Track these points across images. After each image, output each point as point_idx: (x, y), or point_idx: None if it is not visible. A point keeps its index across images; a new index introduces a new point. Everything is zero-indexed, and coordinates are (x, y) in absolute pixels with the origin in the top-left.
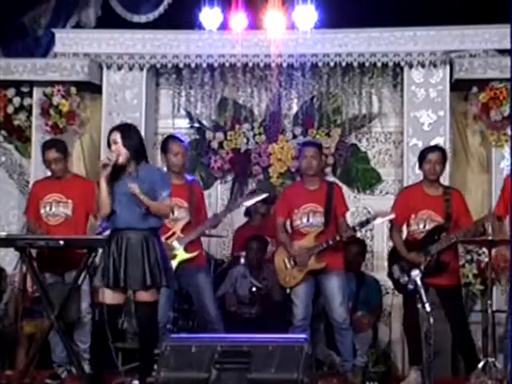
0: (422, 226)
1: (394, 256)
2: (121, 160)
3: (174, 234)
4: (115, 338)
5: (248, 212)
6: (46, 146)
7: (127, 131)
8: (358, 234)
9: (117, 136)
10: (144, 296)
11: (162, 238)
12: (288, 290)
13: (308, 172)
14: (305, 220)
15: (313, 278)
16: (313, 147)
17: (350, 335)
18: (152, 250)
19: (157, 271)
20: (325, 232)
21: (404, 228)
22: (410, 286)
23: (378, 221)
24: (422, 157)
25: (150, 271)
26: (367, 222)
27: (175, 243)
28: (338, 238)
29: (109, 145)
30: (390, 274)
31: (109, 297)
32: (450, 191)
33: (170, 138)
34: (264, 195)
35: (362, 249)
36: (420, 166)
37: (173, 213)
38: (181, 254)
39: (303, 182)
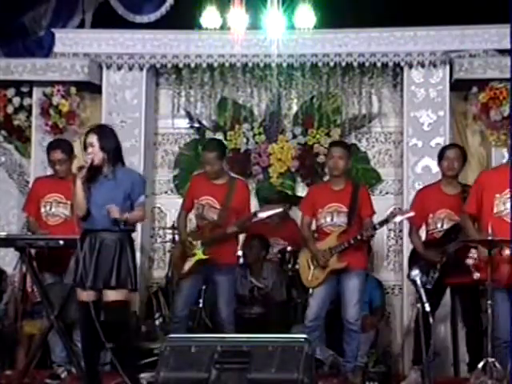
0: (439, 225)
1: (413, 257)
2: (96, 162)
3: (203, 232)
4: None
5: None
6: (51, 147)
7: (104, 133)
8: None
9: (93, 138)
10: (112, 295)
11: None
12: (311, 291)
13: (334, 172)
14: (329, 219)
15: (335, 279)
16: (340, 147)
17: (357, 338)
18: (125, 253)
19: (125, 274)
20: (348, 232)
21: (423, 228)
22: (429, 286)
23: (398, 219)
24: (441, 154)
25: (116, 273)
26: (387, 220)
27: (199, 243)
28: (358, 237)
29: (85, 147)
30: (409, 275)
31: (83, 295)
32: (468, 189)
33: (204, 146)
34: (279, 210)
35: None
36: (438, 164)
37: (202, 211)
38: (198, 254)
39: (329, 181)
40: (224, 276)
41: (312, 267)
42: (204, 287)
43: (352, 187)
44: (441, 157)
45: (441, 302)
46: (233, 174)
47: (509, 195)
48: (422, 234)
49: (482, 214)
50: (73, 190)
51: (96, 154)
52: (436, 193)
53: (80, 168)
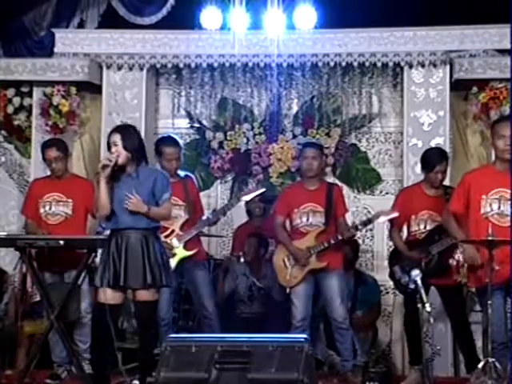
0: (422, 226)
1: (395, 257)
2: (120, 161)
3: (172, 232)
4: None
5: (249, 211)
6: (46, 145)
7: (127, 132)
8: (358, 234)
9: (117, 137)
10: (144, 295)
11: (162, 237)
12: (288, 290)
13: (308, 173)
14: (304, 219)
15: (313, 278)
16: (313, 148)
17: (349, 335)
18: (152, 250)
19: (157, 271)
20: (325, 231)
21: (405, 229)
22: (411, 286)
23: (381, 219)
24: (430, 165)
25: (150, 270)
26: (369, 221)
27: (174, 241)
28: (339, 237)
29: (109, 146)
30: (392, 275)
31: (109, 296)
32: (450, 191)
33: (163, 141)
34: (261, 190)
35: (354, 247)
36: (422, 169)
37: None
38: (180, 252)
39: (303, 181)
40: (203, 271)
41: (289, 266)
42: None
43: (326, 187)
44: (428, 165)
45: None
46: (180, 173)
47: (495, 196)
48: (403, 235)
49: (469, 214)
50: (95, 190)
51: (120, 153)
52: (418, 194)
53: (104, 166)
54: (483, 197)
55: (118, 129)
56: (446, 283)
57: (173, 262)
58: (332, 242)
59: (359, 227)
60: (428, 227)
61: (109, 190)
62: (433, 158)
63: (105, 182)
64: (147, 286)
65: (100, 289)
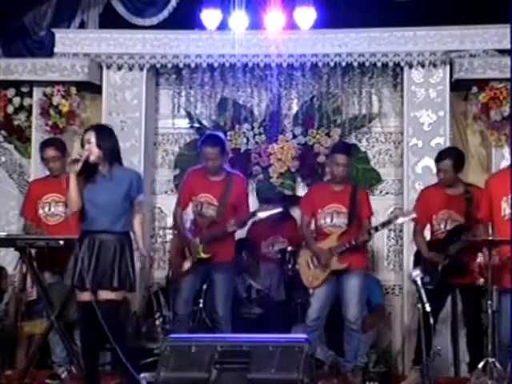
0: (442, 225)
1: (417, 258)
2: (92, 159)
3: (201, 229)
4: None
5: None
6: (44, 144)
7: (102, 132)
8: None
9: (91, 135)
10: (106, 294)
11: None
12: (310, 291)
13: (337, 179)
14: (328, 220)
15: (335, 279)
16: (345, 155)
17: (357, 337)
18: (124, 254)
19: (125, 275)
20: (348, 232)
21: (428, 228)
22: (430, 287)
23: (400, 220)
24: (436, 161)
25: (118, 274)
26: (389, 222)
27: (197, 241)
28: (353, 242)
29: (82, 144)
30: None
31: (82, 296)
32: (470, 189)
33: (203, 141)
34: (278, 209)
35: None
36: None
37: (201, 208)
38: (198, 253)
39: (329, 182)
40: (221, 274)
41: (312, 267)
42: (205, 287)
43: (351, 188)
44: (436, 164)
45: (445, 303)
46: (230, 169)
47: None
48: (427, 234)
49: (493, 218)
50: (66, 186)
51: (92, 151)
52: (438, 193)
53: (74, 161)
54: (504, 198)
55: (94, 127)
56: (465, 282)
57: (190, 262)
58: (353, 243)
59: (379, 228)
60: (448, 227)
61: (81, 187)
62: (436, 157)
63: (75, 176)
64: (111, 287)
65: (76, 289)
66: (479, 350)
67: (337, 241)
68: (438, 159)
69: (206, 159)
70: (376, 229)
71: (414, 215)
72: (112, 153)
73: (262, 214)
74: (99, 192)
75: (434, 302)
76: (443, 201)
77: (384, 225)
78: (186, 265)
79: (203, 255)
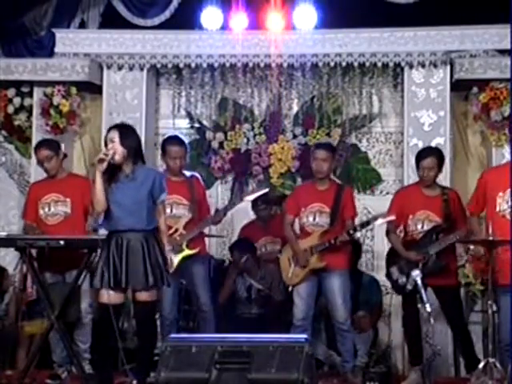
0: (419, 226)
1: (392, 257)
2: (117, 158)
3: (176, 230)
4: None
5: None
6: (37, 146)
7: (125, 131)
8: (358, 234)
9: (115, 134)
10: (144, 296)
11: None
12: (290, 288)
13: (318, 175)
14: (311, 219)
15: (315, 278)
16: (324, 150)
17: (350, 336)
18: (152, 251)
19: (157, 271)
20: (330, 232)
21: (402, 228)
22: (409, 287)
23: (378, 222)
24: (417, 161)
25: (151, 271)
26: (367, 223)
27: (178, 239)
28: (332, 241)
29: (105, 143)
30: (389, 275)
31: (110, 297)
32: (447, 192)
33: (169, 140)
34: (264, 190)
35: (354, 248)
36: (416, 169)
37: (171, 210)
38: (184, 251)
39: (314, 181)
40: (199, 266)
41: (293, 265)
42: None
43: (336, 188)
44: (417, 163)
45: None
46: (187, 172)
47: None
48: (401, 235)
49: (487, 212)
50: (92, 186)
51: (117, 150)
52: (415, 194)
53: (100, 160)
54: (500, 194)
55: (117, 126)
56: (443, 284)
57: (175, 261)
58: (333, 242)
59: (358, 229)
60: (425, 227)
61: (105, 187)
62: (418, 156)
63: (100, 176)
64: (149, 286)
65: (102, 290)
66: (470, 350)
67: (318, 239)
68: (422, 157)
69: (173, 158)
70: (355, 229)
71: (392, 217)
72: (136, 152)
73: (249, 197)
74: (123, 192)
75: (412, 304)
76: (421, 201)
77: (363, 225)
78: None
79: (190, 251)
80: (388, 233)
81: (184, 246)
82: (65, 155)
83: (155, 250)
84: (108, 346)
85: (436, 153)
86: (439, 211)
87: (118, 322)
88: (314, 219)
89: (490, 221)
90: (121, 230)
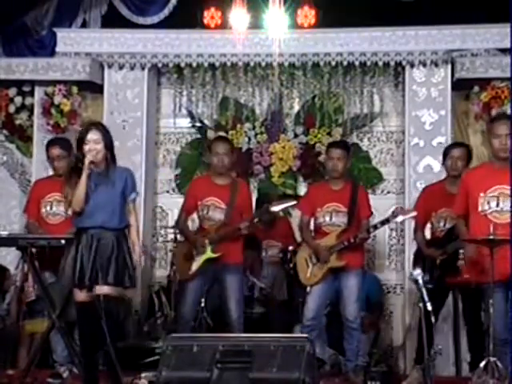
0: (442, 224)
1: (417, 256)
2: (99, 157)
3: (208, 233)
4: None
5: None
6: (50, 143)
7: (106, 131)
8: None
9: (99, 135)
10: (105, 289)
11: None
12: (308, 289)
13: (333, 174)
14: (327, 219)
15: (332, 278)
16: (339, 149)
17: (357, 336)
18: (121, 250)
19: (123, 271)
20: (347, 231)
21: (428, 226)
22: (430, 286)
23: (400, 219)
24: (446, 153)
25: (115, 270)
26: (388, 220)
27: (207, 241)
28: (352, 240)
29: (81, 142)
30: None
31: (81, 295)
32: None
33: (215, 139)
34: (292, 202)
35: None
36: (443, 163)
37: (207, 212)
38: (207, 254)
39: (328, 181)
40: (233, 275)
41: (310, 265)
42: (206, 287)
43: (351, 187)
44: (445, 155)
45: (445, 302)
46: (234, 175)
47: (494, 194)
48: (427, 232)
49: (469, 212)
50: (67, 185)
51: (100, 151)
52: (440, 191)
53: (91, 163)
54: (481, 194)
55: (96, 126)
56: (463, 281)
57: (198, 263)
58: (352, 241)
59: (378, 226)
60: (447, 225)
61: (88, 187)
62: (448, 146)
63: (86, 177)
64: (108, 283)
65: (75, 289)
66: (480, 349)
67: (336, 239)
68: (453, 147)
69: (217, 154)
70: (375, 227)
71: (413, 213)
72: (112, 151)
73: (276, 208)
74: (97, 190)
75: (434, 301)
76: (444, 199)
77: (383, 223)
78: (194, 266)
79: (212, 255)
80: (415, 231)
81: (208, 248)
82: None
83: (123, 250)
84: (91, 344)
85: (465, 146)
86: None
87: (98, 319)
88: (331, 219)
89: (472, 221)
90: (91, 227)
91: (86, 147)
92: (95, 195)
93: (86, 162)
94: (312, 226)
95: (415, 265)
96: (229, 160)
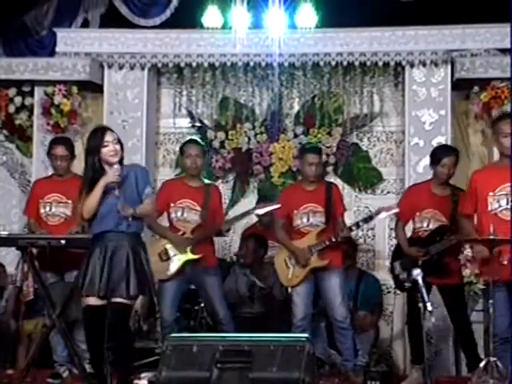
0: (425, 224)
1: (397, 253)
2: (118, 159)
3: (183, 234)
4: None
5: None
6: (55, 142)
7: (115, 133)
8: (360, 233)
9: (115, 136)
10: (119, 299)
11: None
12: (290, 290)
13: (310, 178)
14: (305, 220)
15: (313, 277)
16: (315, 154)
17: (350, 335)
18: (138, 258)
19: (142, 280)
20: (326, 230)
21: (410, 225)
22: (408, 284)
23: (382, 215)
24: (437, 159)
25: (135, 281)
26: (370, 217)
27: (185, 242)
28: (333, 239)
29: (99, 146)
30: (392, 270)
31: (93, 300)
32: (458, 193)
33: (188, 141)
34: (276, 206)
35: (351, 247)
36: (431, 165)
37: (182, 214)
38: (186, 255)
39: (301, 182)
40: (213, 276)
41: (291, 266)
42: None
43: (325, 187)
44: (436, 161)
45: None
46: (206, 180)
47: (503, 192)
48: (408, 231)
49: (478, 213)
50: (83, 196)
51: (119, 152)
52: (425, 192)
53: (119, 175)
54: (490, 194)
55: (110, 128)
56: (446, 283)
57: (177, 264)
58: (333, 240)
59: (360, 224)
60: (431, 226)
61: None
62: (440, 152)
63: (104, 185)
64: (127, 296)
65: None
66: (473, 349)
67: (316, 238)
68: (445, 155)
69: (190, 156)
70: (357, 224)
71: (396, 210)
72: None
73: (260, 211)
74: (109, 193)
75: (413, 302)
76: (429, 199)
77: (366, 220)
78: (173, 268)
79: (192, 256)
80: (395, 227)
81: (188, 250)
82: (74, 156)
83: (140, 257)
84: (99, 346)
85: (455, 151)
86: (447, 211)
87: (105, 322)
88: (308, 220)
89: (484, 221)
90: (106, 232)
91: (106, 149)
92: (108, 199)
93: (111, 177)
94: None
95: (393, 261)
96: (201, 162)
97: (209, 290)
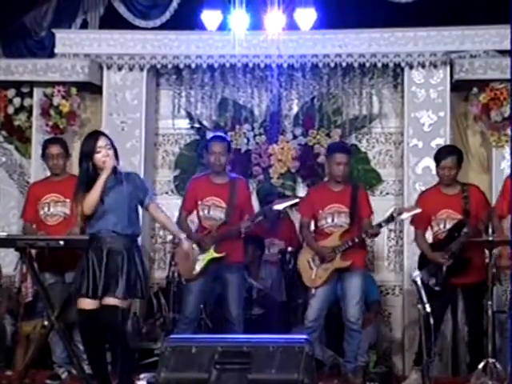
0: (442, 226)
1: (422, 262)
2: (112, 164)
3: (209, 232)
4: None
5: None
6: (49, 141)
7: (108, 137)
8: None
9: (108, 141)
10: (112, 300)
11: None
12: (313, 291)
13: (337, 179)
14: (329, 220)
15: (336, 279)
16: (344, 153)
17: (358, 337)
18: (133, 260)
19: (137, 283)
20: (350, 231)
21: (429, 231)
22: (438, 288)
23: (404, 216)
24: (436, 161)
25: (126, 282)
26: (392, 218)
27: (208, 241)
28: (363, 235)
29: (92, 152)
30: (415, 283)
31: (86, 303)
32: (467, 188)
33: (212, 137)
34: (296, 200)
35: None
36: (436, 168)
37: (208, 212)
38: (210, 253)
39: (328, 183)
40: (234, 274)
41: (314, 267)
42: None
43: (351, 188)
44: (437, 163)
45: (449, 303)
46: (233, 174)
47: None
48: (429, 237)
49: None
50: (86, 192)
51: (112, 157)
52: (436, 195)
53: (114, 169)
54: None
55: (102, 133)
56: (467, 282)
57: (202, 263)
58: (356, 240)
59: (382, 225)
60: (448, 226)
61: (103, 192)
62: (438, 155)
63: (103, 183)
64: (117, 296)
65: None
66: (480, 351)
67: (339, 239)
68: (442, 157)
69: (214, 153)
70: (380, 225)
71: (418, 210)
72: (118, 157)
73: (279, 206)
74: (108, 193)
75: (439, 304)
76: (441, 201)
77: (388, 221)
78: (198, 266)
79: (216, 255)
80: (416, 238)
81: (212, 249)
82: (69, 155)
83: (135, 260)
84: (96, 348)
85: (456, 152)
86: (460, 208)
87: (99, 324)
88: (333, 220)
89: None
90: (102, 233)
91: (99, 155)
92: (107, 198)
93: (109, 166)
94: (313, 228)
95: (420, 268)
96: (226, 159)
97: (228, 289)
